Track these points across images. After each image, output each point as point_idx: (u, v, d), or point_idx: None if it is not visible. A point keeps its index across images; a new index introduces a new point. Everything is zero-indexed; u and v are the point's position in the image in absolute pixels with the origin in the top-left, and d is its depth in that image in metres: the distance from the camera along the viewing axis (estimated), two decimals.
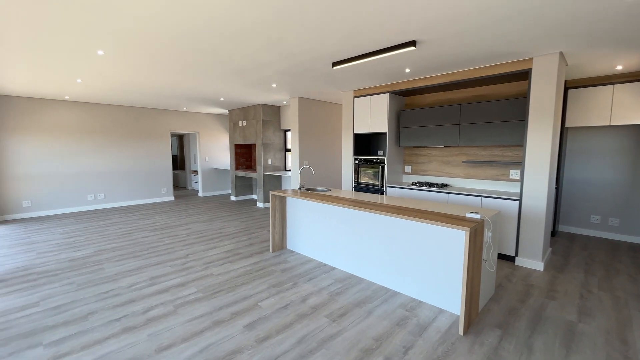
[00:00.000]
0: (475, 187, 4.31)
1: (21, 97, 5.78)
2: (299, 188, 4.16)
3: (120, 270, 3.41)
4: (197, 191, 9.43)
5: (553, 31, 2.64)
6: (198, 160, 8.49)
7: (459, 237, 2.47)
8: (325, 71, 3.98)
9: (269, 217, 6.00)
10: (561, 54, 3.21)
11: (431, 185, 4.45)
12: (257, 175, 7.08)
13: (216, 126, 8.72)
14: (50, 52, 3.20)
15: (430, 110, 4.39)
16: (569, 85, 4.45)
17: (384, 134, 4.87)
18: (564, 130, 4.61)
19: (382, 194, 4.84)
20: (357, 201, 3.25)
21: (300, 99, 5.93)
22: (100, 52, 3.19)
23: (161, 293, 2.87)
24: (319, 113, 6.34)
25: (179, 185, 10.52)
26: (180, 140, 11.13)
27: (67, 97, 5.94)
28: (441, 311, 2.57)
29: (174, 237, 4.66)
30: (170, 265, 3.55)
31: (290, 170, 7.22)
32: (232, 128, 7.75)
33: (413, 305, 2.66)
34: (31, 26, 2.53)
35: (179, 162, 11.30)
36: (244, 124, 7.32)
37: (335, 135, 6.79)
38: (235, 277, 3.21)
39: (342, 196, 3.59)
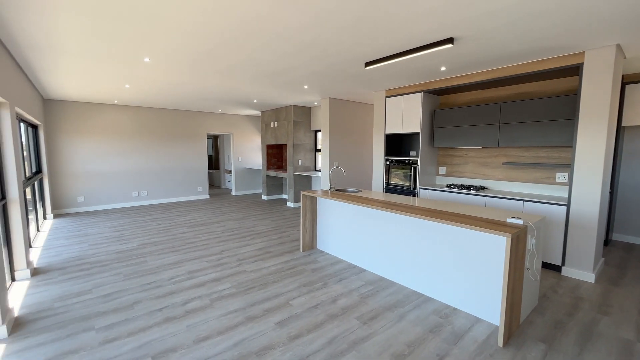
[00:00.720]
0: (516, 191, 4.06)
1: (77, 102, 6.35)
2: (330, 189, 4.17)
3: (161, 263, 3.62)
4: (231, 190, 9.79)
5: (609, 21, 2.42)
6: (231, 160, 8.81)
7: (499, 244, 2.35)
8: (357, 72, 3.96)
9: (299, 216, 6.08)
10: (618, 46, 2.93)
11: (467, 187, 4.26)
12: (288, 175, 7.20)
13: (249, 127, 8.99)
14: (103, 60, 3.48)
15: (467, 110, 4.21)
16: (627, 81, 4.05)
17: (417, 134, 4.74)
18: (620, 129, 4.20)
19: (414, 195, 4.72)
20: (389, 203, 3.19)
21: (331, 99, 5.94)
22: (147, 60, 3.42)
23: (198, 287, 3.02)
24: (349, 113, 6.32)
25: (214, 184, 10.99)
26: (215, 141, 11.62)
27: (116, 101, 6.43)
28: (478, 320, 2.46)
29: (209, 233, 4.88)
30: (206, 260, 3.71)
31: (320, 171, 7.26)
32: (264, 129, 7.95)
33: (447, 312, 2.57)
34: (89, 37, 2.78)
35: (213, 162, 11.80)
36: (276, 125, 7.47)
37: (366, 135, 6.72)
38: (267, 275, 3.29)
39: (373, 197, 3.55)
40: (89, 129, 6.53)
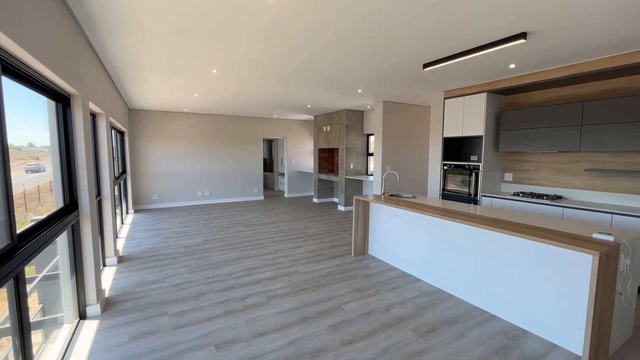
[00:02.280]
0: (602, 202, 3.54)
1: (154, 110, 7.18)
2: (383, 194, 4.09)
3: (222, 259, 3.90)
4: (283, 192, 10.15)
5: None
6: (285, 163, 9.14)
7: (584, 262, 2.06)
8: (414, 73, 3.83)
9: (349, 220, 6.06)
10: None
11: (540, 196, 3.83)
12: (339, 179, 7.23)
13: (302, 131, 9.25)
14: (179, 74, 3.89)
15: (539, 110, 3.80)
16: None
17: (479, 137, 4.42)
18: None
19: (475, 203, 4.39)
20: (448, 211, 3.02)
21: (385, 102, 5.83)
22: (214, 71, 3.74)
23: (255, 284, 3.18)
24: (403, 116, 6.13)
25: (268, 186, 11.53)
26: (269, 145, 12.19)
27: (185, 109, 7.13)
28: (554, 347, 2.18)
29: (264, 233, 5.11)
30: (262, 259, 3.90)
31: (372, 175, 7.17)
32: (317, 133, 8.10)
33: (516, 334, 2.33)
34: (168, 54, 3.13)
35: (268, 165, 12.38)
36: (328, 129, 7.57)
37: (421, 139, 6.46)
38: (319, 277, 3.34)
39: (430, 204, 3.39)
40: (162, 134, 7.34)
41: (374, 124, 6.06)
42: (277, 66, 3.53)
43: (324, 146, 7.78)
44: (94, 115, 3.42)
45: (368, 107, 6.62)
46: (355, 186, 7.23)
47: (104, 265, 3.64)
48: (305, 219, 6.15)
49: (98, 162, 3.49)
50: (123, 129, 6.14)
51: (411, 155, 6.34)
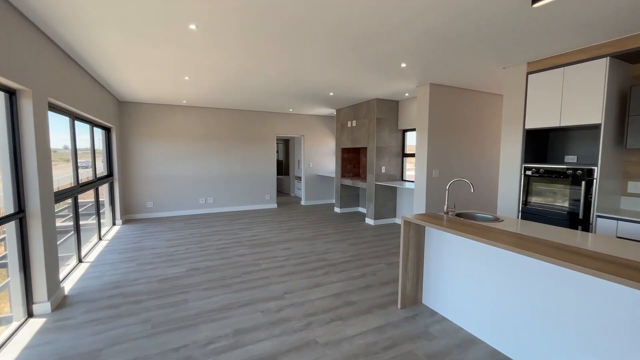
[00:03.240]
0: None
1: (149, 103, 6.11)
2: (446, 212, 2.69)
3: (204, 307, 2.63)
4: (300, 199, 8.88)
5: None
6: (302, 166, 7.87)
7: None
8: (504, 22, 2.42)
9: (382, 240, 4.67)
10: None
11: None
12: (368, 185, 5.85)
13: (322, 129, 7.95)
14: (147, 37, 2.69)
15: None
16: None
17: (594, 127, 2.93)
18: None
19: (584, 229, 2.90)
20: (574, 251, 1.59)
21: (433, 86, 4.41)
22: (193, 27, 2.50)
23: None
24: (457, 105, 4.68)
25: (282, 191, 10.29)
26: (285, 145, 10.97)
27: (184, 102, 6.01)
28: None
29: (272, 259, 3.83)
30: (261, 310, 2.60)
31: (411, 182, 5.73)
32: (339, 130, 6.77)
33: None
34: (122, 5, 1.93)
35: (283, 168, 11.16)
36: (354, 125, 6.22)
37: (484, 134, 4.96)
38: (350, 357, 1.99)
39: (532, 235, 1.96)
40: (160, 131, 6.26)
41: (417, 115, 4.65)
42: (280, 12, 2.24)
43: (348, 145, 6.43)
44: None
45: (406, 94, 5.21)
46: (389, 195, 5.82)
47: (29, 315, 2.47)
48: (326, 237, 4.82)
49: (18, 164, 2.34)
50: (108, 124, 5.09)
51: (468, 156, 4.87)
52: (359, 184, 6.13)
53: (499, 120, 5.14)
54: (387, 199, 5.82)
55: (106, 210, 5.49)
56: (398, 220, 5.87)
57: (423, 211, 4.55)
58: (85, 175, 4.34)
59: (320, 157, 7.97)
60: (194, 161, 6.60)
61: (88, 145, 4.47)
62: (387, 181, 5.73)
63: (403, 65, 3.51)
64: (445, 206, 2.68)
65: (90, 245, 4.32)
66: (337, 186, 6.90)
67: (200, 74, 3.95)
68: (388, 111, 5.69)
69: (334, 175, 7.50)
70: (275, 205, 7.49)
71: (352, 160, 6.96)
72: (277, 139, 10.68)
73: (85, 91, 3.81)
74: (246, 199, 7.17)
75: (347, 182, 6.52)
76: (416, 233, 2.65)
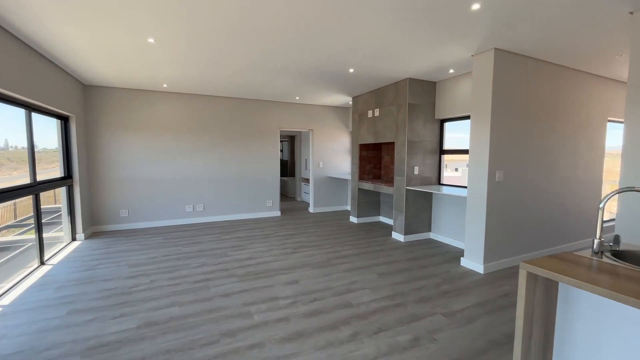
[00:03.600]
0: None
1: (121, 88, 4.93)
2: (598, 252, 1.42)
3: None
4: (308, 204, 7.63)
5: None
6: (310, 166, 6.63)
7: None
8: None
9: (423, 267, 3.40)
10: None
11: None
12: (396, 190, 4.58)
13: (334, 122, 6.70)
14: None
15: None
16: None
17: None
18: None
19: None
20: None
21: (500, 54, 3.14)
22: None
23: None
24: (534, 83, 3.39)
25: (287, 195, 9.06)
26: (291, 142, 9.75)
27: (165, 86, 4.81)
28: None
29: (270, 302, 2.59)
30: None
31: (450, 186, 4.45)
32: (357, 122, 5.52)
33: None
34: None
35: (288, 168, 9.94)
36: (376, 114, 4.96)
37: (574, 126, 3.66)
38: None
39: None
40: (136, 122, 5.07)
41: (474, 95, 3.38)
42: None
43: (369, 140, 5.18)
44: None
45: (450, 71, 3.94)
46: (422, 202, 4.55)
47: None
48: (345, 261, 3.57)
49: None
50: (64, 112, 3.93)
51: (552, 155, 3.58)
52: (383, 188, 4.86)
53: (598, 109, 3.85)
54: (421, 209, 4.55)
55: (64, 221, 4.32)
56: (435, 236, 4.59)
57: (482, 229, 3.27)
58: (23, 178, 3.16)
59: (332, 156, 6.73)
60: (180, 160, 5.41)
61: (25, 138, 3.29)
62: (421, 185, 4.46)
63: (475, 6, 2.24)
64: (597, 240, 1.41)
65: (20, 275, 3.13)
66: (354, 191, 5.65)
67: (170, 33, 2.74)
68: (423, 95, 4.42)
69: (348, 177, 6.24)
70: (278, 213, 6.26)
71: (373, 159, 5.69)
72: (281, 136, 9.45)
73: (16, 63, 2.62)
74: (243, 206, 5.95)
75: (367, 185, 5.26)
76: (545, 289, 1.39)
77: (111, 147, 4.94)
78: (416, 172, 4.44)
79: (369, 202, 5.71)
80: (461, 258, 3.56)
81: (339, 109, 6.73)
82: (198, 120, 5.48)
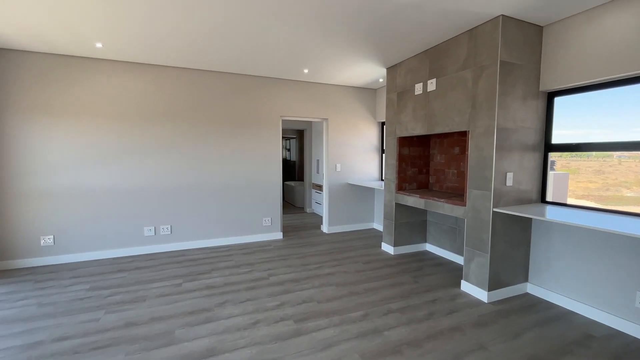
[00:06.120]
0: None
1: (27, 52, 3.25)
2: None
3: None
4: (319, 218, 5.83)
5: None
6: (324, 169, 4.83)
7: None
8: None
9: None
10: None
11: None
12: (471, 214, 2.71)
13: (356, 108, 4.88)
14: None
15: None
16: None
17: None
18: None
19: None
20: None
21: None
22: None
23: None
24: None
25: (295, 205, 7.26)
26: (300, 138, 7.98)
27: (99, 46, 3.10)
28: None
29: None
30: None
31: (564, 205, 2.54)
32: (395, 104, 3.68)
33: None
34: None
35: (297, 170, 8.18)
36: (431, 88, 3.11)
37: None
38: None
39: None
40: (62, 106, 3.38)
41: None
42: None
43: (416, 131, 3.34)
44: None
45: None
46: (516, 234, 2.67)
47: None
48: (398, 351, 1.76)
49: None
50: None
51: None
52: (445, 208, 3.01)
53: None
54: (514, 245, 2.67)
55: None
56: (536, 291, 2.71)
57: None
58: None
59: (354, 156, 4.91)
60: (136, 163, 3.70)
61: None
62: (516, 205, 2.59)
63: None
64: None
65: None
66: (389, 207, 3.81)
67: None
68: (524, 49, 2.54)
69: (376, 185, 4.40)
70: (279, 235, 4.49)
71: (418, 160, 3.84)
72: (288, 131, 7.68)
73: None
74: (229, 227, 4.20)
75: (412, 200, 3.42)
76: None
77: (26, 142, 3.27)
78: (509, 182, 2.57)
79: (411, 224, 3.86)
80: None
81: (364, 91, 4.90)
82: (161, 103, 3.76)
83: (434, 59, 3.09)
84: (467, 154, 2.73)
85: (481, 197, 2.60)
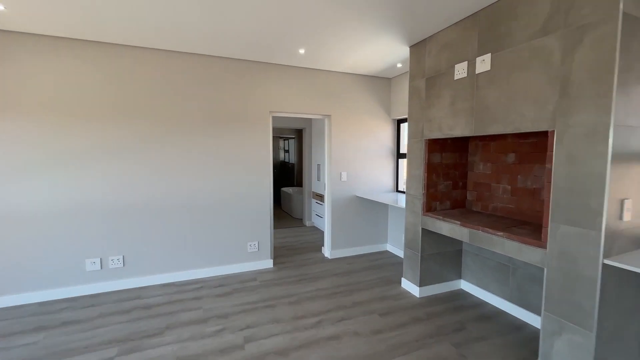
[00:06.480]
0: None
1: None
2: None
3: None
4: (320, 236, 4.86)
5: None
6: (326, 178, 3.85)
7: None
8: None
9: None
10: None
11: None
12: (549, 260, 1.72)
13: (367, 101, 3.89)
14: None
15: None
16: None
17: None
18: None
19: None
20: None
21: None
22: None
23: None
24: None
25: (292, 215, 6.29)
26: (299, 138, 7.02)
27: (1, 8, 2.14)
28: None
29: None
30: None
31: None
32: (423, 94, 2.70)
33: None
34: None
35: (295, 175, 7.22)
36: (483, 69, 2.12)
37: None
38: None
39: None
40: None
41: None
42: None
43: (456, 132, 2.35)
44: None
45: None
46: (636, 296, 1.68)
47: None
48: None
49: None
50: None
51: None
52: (506, 246, 2.02)
53: None
54: (630, 316, 1.68)
55: None
56: None
57: None
58: None
59: (363, 162, 3.93)
60: (72, 173, 2.75)
61: None
62: (636, 250, 1.61)
63: None
64: None
65: None
66: (414, 233, 2.83)
67: None
68: None
69: (391, 201, 3.42)
70: (268, 263, 3.52)
71: (450, 170, 2.84)
72: (286, 130, 6.70)
73: None
74: (202, 255, 3.24)
75: (446, 228, 2.43)
76: None
77: None
78: (626, 216, 1.58)
79: (442, 255, 2.88)
80: None
81: (376, 81, 3.92)
82: (110, 93, 2.80)
83: (487, 24, 2.10)
84: (550, 168, 1.74)
85: (578, 238, 1.62)
